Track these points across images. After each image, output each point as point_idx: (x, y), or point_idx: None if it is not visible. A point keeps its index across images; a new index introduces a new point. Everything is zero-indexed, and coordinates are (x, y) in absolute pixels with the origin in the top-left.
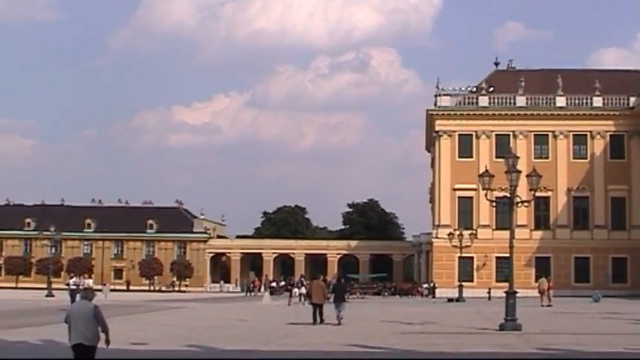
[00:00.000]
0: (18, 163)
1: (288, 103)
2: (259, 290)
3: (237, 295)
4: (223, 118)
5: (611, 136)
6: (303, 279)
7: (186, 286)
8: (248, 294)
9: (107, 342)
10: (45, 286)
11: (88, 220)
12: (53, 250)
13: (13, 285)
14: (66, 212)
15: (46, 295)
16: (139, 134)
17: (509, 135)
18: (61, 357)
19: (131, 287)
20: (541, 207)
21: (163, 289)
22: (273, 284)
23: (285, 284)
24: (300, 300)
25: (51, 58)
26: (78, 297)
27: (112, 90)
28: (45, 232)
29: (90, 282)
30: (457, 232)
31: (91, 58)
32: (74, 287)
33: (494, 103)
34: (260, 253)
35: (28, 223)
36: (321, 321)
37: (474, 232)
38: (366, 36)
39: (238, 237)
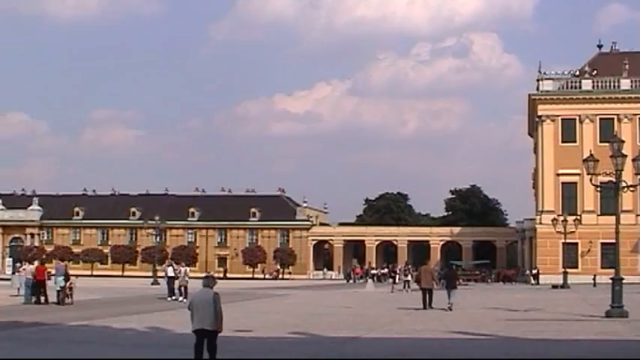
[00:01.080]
0: (123, 153)
1: (389, 90)
2: (361, 277)
3: (340, 282)
4: (325, 106)
5: None
6: (409, 266)
7: (289, 273)
8: (349, 281)
9: (220, 328)
10: (150, 274)
11: (191, 209)
12: (158, 239)
13: (120, 273)
14: (170, 201)
15: (152, 283)
16: (241, 123)
17: (613, 118)
18: (166, 343)
19: (233, 275)
20: None
21: (268, 276)
22: (373, 271)
23: (387, 271)
24: (404, 287)
25: (154, 49)
26: (176, 284)
27: (214, 80)
28: (150, 221)
29: (187, 269)
30: (561, 218)
31: (194, 49)
32: (171, 275)
33: (597, 86)
34: (362, 241)
35: (134, 213)
36: (430, 306)
37: (579, 217)
38: (467, 21)
39: (341, 224)
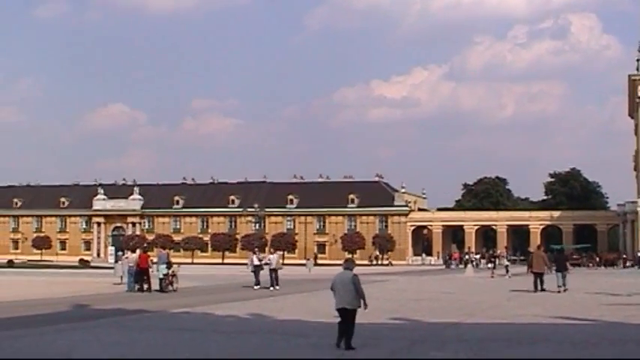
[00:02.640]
0: (222, 142)
1: (486, 73)
2: (460, 263)
3: (439, 267)
4: (422, 91)
5: None
6: (507, 252)
7: (388, 259)
8: (448, 266)
9: (364, 306)
10: None
11: (290, 196)
12: (257, 226)
13: (219, 261)
14: (268, 189)
15: (252, 271)
16: (338, 110)
17: None
18: (268, 329)
19: (332, 261)
20: None
21: (371, 262)
22: (467, 256)
23: (480, 256)
24: (506, 272)
25: (251, 39)
26: (262, 273)
27: (311, 68)
28: (249, 209)
29: (275, 257)
30: None
31: (290, 38)
32: (257, 264)
33: None
34: (461, 226)
35: (233, 201)
36: (542, 289)
37: None
38: (565, 2)
39: (439, 209)
